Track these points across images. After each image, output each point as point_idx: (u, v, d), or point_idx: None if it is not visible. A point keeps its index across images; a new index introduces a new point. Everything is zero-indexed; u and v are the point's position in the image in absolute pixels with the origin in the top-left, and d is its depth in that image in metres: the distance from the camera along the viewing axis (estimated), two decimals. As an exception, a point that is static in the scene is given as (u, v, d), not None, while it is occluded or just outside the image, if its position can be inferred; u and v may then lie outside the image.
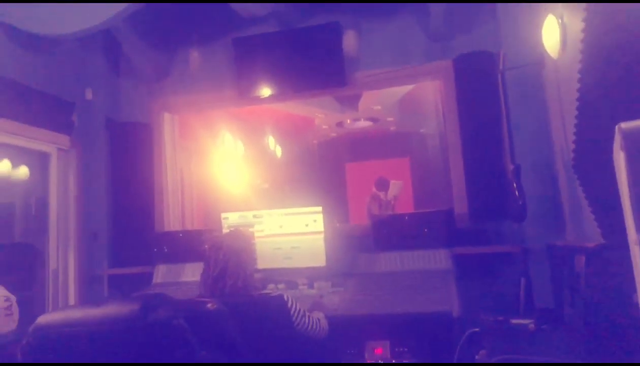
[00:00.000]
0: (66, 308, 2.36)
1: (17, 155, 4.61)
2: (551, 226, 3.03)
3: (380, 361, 2.51)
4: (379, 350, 2.58)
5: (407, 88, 5.47)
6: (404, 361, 2.48)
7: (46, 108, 3.69)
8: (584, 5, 2.12)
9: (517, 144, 3.22)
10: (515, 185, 2.83)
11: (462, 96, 3.53)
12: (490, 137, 3.36)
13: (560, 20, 2.58)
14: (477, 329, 2.07)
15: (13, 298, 2.86)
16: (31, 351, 1.06)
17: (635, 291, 1.13)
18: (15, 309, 2.85)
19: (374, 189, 6.81)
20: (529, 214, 2.83)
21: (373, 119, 7.31)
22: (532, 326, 1.96)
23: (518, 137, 3.22)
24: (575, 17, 2.32)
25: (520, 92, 3.27)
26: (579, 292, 1.90)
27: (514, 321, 2.05)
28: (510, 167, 2.95)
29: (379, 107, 6.72)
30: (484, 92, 3.40)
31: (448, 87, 3.66)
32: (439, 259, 3.12)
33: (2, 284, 2.89)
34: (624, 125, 1.10)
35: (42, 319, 1.11)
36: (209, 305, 1.44)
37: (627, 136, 1.08)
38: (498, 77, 3.21)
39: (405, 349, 2.51)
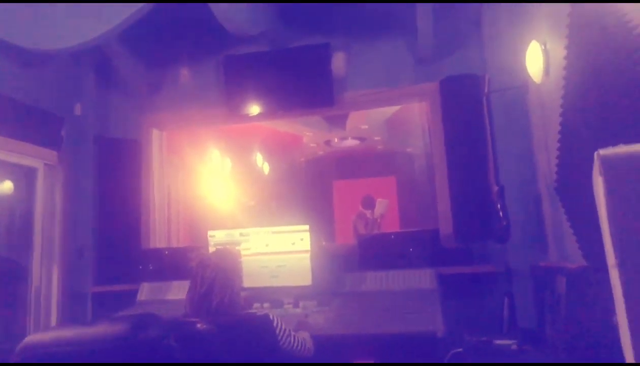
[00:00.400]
0: (55, 328, 2.34)
1: (2, 169, 4.56)
2: (534, 247, 3.08)
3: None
4: (364, 370, 2.58)
5: (395, 108, 5.53)
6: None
7: (34, 123, 3.68)
8: (566, 32, 2.19)
9: (502, 165, 3.28)
10: (499, 206, 2.88)
11: (448, 118, 3.58)
12: (475, 159, 3.41)
13: (543, 47, 2.66)
14: (460, 349, 2.08)
15: (-5, 314, 2.82)
16: (18, 369, 1.05)
17: (614, 312, 1.16)
18: (-3, 326, 2.81)
19: (360, 208, 6.84)
20: (512, 235, 2.88)
21: (360, 138, 7.37)
22: (514, 346, 1.98)
23: (502, 159, 3.28)
24: (557, 44, 2.40)
25: (505, 116, 3.34)
26: (560, 313, 1.94)
27: (497, 341, 2.07)
28: (495, 188, 3.00)
29: (367, 126, 6.78)
30: (469, 114, 3.45)
31: (434, 108, 3.71)
32: (424, 278, 3.14)
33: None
34: (602, 152, 1.14)
35: (31, 338, 1.11)
36: (198, 325, 1.44)
37: (606, 162, 1.12)
38: (483, 100, 3.27)
39: (390, 369, 2.52)
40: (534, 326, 2.69)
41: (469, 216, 3.36)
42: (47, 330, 2.13)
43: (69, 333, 1.10)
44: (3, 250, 4.71)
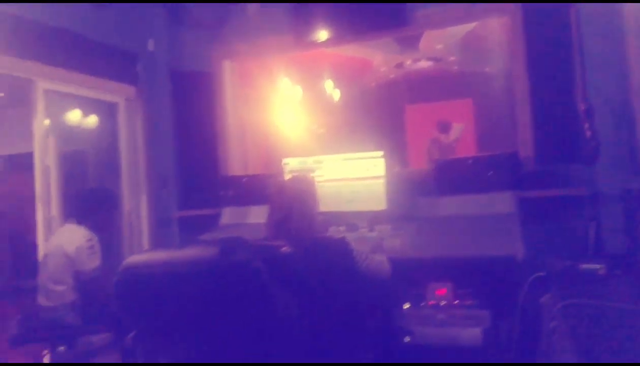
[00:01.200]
0: (151, 251, 2.54)
1: (87, 105, 4.84)
2: (625, 169, 2.89)
3: (443, 302, 2.54)
4: (442, 291, 2.60)
5: (471, 26, 5.23)
6: (465, 304, 2.50)
7: (110, 60, 3.83)
8: None
9: (591, 82, 3.04)
10: (587, 126, 2.70)
11: (531, 32, 3.35)
12: (561, 76, 3.20)
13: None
14: (542, 273, 2.04)
15: (95, 238, 3.09)
16: (121, 288, 1.15)
17: None
18: (98, 248, 3.08)
19: (434, 132, 6.69)
20: (601, 156, 2.71)
21: (434, 59, 7.07)
22: (602, 271, 1.91)
23: (592, 76, 3.04)
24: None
25: (596, 27, 3.05)
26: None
27: (583, 266, 2.00)
28: (582, 107, 2.80)
29: (441, 46, 6.49)
30: (554, 28, 3.21)
31: (515, 23, 3.47)
32: (502, 203, 3.06)
33: (83, 226, 3.12)
34: None
35: (131, 259, 1.20)
36: (283, 249, 1.50)
37: None
38: (571, 11, 3.00)
39: (468, 291, 2.53)
40: (624, 252, 2.57)
41: (552, 137, 3.21)
42: (143, 252, 2.32)
43: (163, 255, 1.18)
44: (93, 179, 5.08)
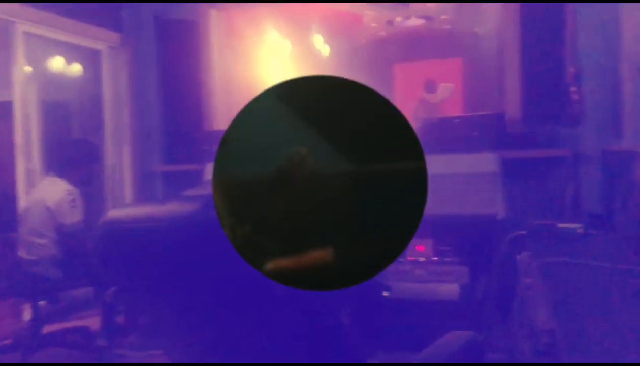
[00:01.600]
0: (133, 205, 2.51)
1: (70, 52, 4.70)
2: (607, 132, 2.92)
3: (422, 258, 2.58)
4: (421, 248, 2.64)
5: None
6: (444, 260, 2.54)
7: (95, 3, 3.70)
8: None
9: (582, 45, 3.02)
10: (574, 88, 2.70)
11: (524, -9, 3.28)
12: (553, 37, 3.16)
13: None
14: (522, 232, 2.07)
15: (76, 191, 3.04)
16: (102, 242, 1.14)
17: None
18: (79, 202, 3.03)
19: (421, 92, 6.64)
20: (586, 118, 2.72)
21: (426, 17, 6.94)
22: (580, 230, 1.94)
23: (583, 38, 3.02)
24: None
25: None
26: (634, 198, 1.86)
27: (561, 224, 2.03)
28: (571, 70, 2.79)
29: (433, 4, 6.36)
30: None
31: (509, -19, 3.40)
32: (486, 162, 3.06)
33: (64, 179, 3.06)
34: None
35: (112, 213, 1.18)
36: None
37: None
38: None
39: (448, 248, 2.57)
40: (602, 212, 2.61)
41: (539, 98, 3.20)
42: (125, 206, 2.31)
43: (145, 210, 1.17)
44: (76, 131, 5.00)
